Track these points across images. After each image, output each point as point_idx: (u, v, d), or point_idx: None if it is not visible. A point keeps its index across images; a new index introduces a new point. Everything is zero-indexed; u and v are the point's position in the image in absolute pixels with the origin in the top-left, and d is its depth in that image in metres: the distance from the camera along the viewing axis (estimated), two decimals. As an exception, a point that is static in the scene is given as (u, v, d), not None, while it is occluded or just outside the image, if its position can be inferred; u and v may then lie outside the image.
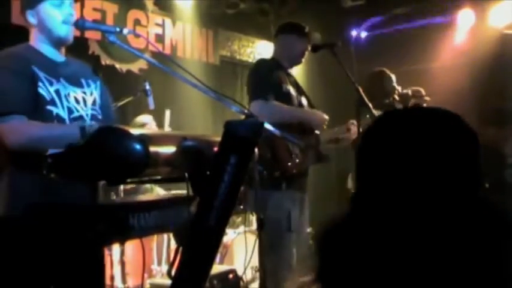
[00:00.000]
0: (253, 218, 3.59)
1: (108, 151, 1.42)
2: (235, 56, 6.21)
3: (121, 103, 3.59)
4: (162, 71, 2.01)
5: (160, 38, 5.25)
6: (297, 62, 3.32)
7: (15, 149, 1.98)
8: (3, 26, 3.77)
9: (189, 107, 5.11)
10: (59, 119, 2.08)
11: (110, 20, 4.71)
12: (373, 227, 0.92)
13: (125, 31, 2.08)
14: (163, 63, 2.04)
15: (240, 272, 3.55)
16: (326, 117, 3.26)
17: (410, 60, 5.74)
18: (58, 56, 2.22)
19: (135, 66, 4.97)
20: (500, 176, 3.60)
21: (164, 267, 3.76)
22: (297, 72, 3.75)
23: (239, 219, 4.59)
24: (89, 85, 2.27)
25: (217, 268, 3.45)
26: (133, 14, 5.00)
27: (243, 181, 1.65)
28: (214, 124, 5.31)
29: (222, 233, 1.68)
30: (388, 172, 0.94)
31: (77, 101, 2.17)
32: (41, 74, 2.08)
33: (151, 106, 3.49)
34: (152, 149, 1.45)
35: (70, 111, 2.13)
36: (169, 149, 1.58)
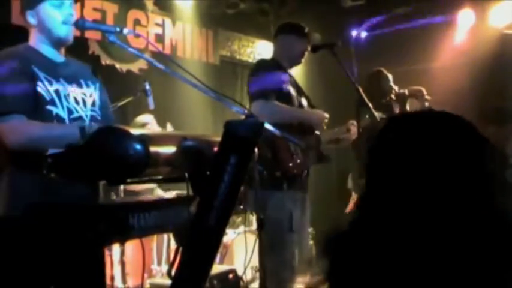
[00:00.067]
0: (253, 218, 3.59)
1: (108, 151, 1.42)
2: (235, 56, 6.20)
3: (121, 103, 3.58)
4: (162, 71, 2.01)
5: (160, 38, 5.25)
6: (296, 62, 3.31)
7: (15, 149, 1.98)
8: (3, 26, 3.77)
9: (189, 107, 5.10)
10: (59, 119, 2.08)
11: (110, 20, 4.70)
12: (385, 231, 0.92)
13: (125, 31, 2.08)
14: (163, 63, 2.04)
15: (240, 272, 3.54)
16: (326, 115, 3.25)
17: (411, 60, 5.74)
18: (58, 56, 2.22)
19: (135, 66, 4.96)
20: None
21: (164, 267, 3.75)
22: (297, 72, 3.75)
23: (239, 219, 4.59)
24: (88, 86, 2.27)
25: (217, 268, 3.45)
26: (133, 14, 5.00)
27: (243, 181, 1.65)
28: (214, 124, 5.30)
29: (222, 233, 1.68)
30: (401, 176, 0.94)
31: (77, 102, 2.17)
32: (41, 74, 2.08)
33: (151, 106, 3.49)
34: (152, 149, 1.45)
35: (70, 111, 2.13)
36: (169, 149, 1.58)
